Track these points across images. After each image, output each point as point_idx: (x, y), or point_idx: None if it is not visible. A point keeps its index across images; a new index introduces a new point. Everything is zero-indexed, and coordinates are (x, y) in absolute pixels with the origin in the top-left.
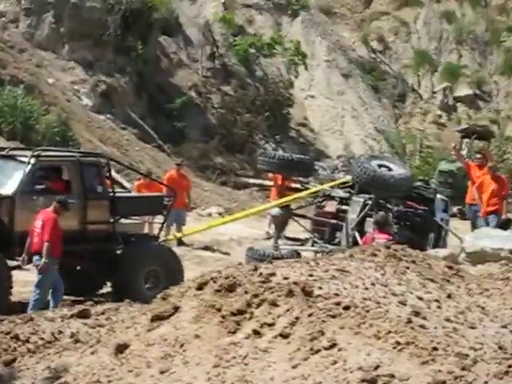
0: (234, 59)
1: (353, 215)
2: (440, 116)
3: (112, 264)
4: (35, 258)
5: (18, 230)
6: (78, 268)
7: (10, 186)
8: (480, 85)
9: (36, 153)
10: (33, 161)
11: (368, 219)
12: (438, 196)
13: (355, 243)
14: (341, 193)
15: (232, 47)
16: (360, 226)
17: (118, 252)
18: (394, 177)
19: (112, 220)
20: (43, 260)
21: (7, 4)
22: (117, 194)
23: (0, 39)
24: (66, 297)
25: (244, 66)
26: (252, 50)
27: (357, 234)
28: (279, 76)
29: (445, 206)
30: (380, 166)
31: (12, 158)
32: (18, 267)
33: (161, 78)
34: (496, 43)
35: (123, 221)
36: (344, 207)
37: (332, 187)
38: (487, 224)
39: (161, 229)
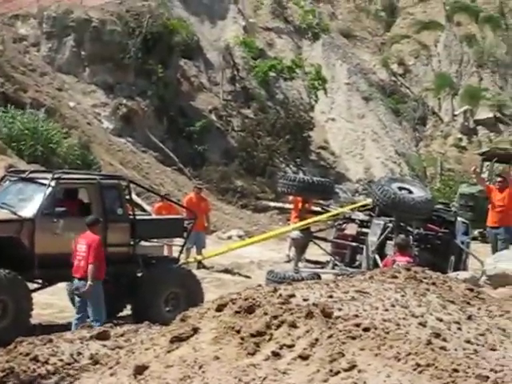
0: (255, 82)
1: (373, 238)
2: (461, 139)
3: (132, 286)
4: (81, 282)
5: (39, 253)
6: None
7: (30, 209)
8: (501, 108)
9: (56, 175)
10: (53, 183)
11: (388, 242)
12: (459, 219)
13: (376, 266)
14: (361, 215)
15: (252, 70)
16: (380, 249)
17: (139, 274)
18: (414, 199)
19: (132, 242)
20: (89, 283)
21: (28, 28)
22: (137, 217)
23: (21, 63)
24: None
25: (264, 89)
26: (272, 74)
27: (377, 257)
28: (299, 99)
29: (465, 228)
30: (400, 188)
31: (32, 180)
32: (38, 289)
33: (181, 101)
34: None
35: (143, 243)
36: (364, 230)
37: (352, 210)
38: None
39: (181, 251)
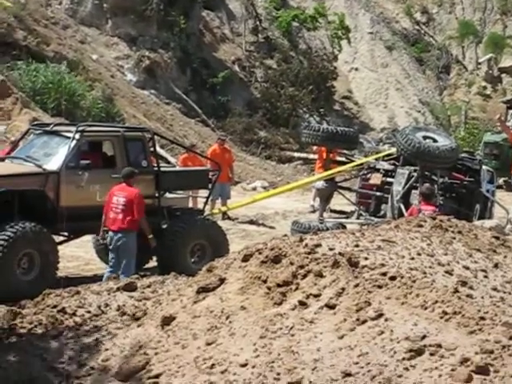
0: (277, 33)
1: (398, 187)
2: (485, 87)
3: (158, 238)
4: (117, 235)
5: (64, 206)
6: None
7: (55, 162)
8: None
9: (81, 128)
10: (77, 136)
11: (413, 191)
12: (484, 167)
13: (401, 215)
14: (386, 165)
15: (275, 21)
16: (405, 198)
17: (164, 226)
18: (439, 148)
19: (157, 194)
20: (150, 237)
21: None
22: (161, 169)
23: (43, 16)
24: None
25: (287, 39)
26: (295, 24)
27: (402, 206)
28: (323, 49)
29: (490, 177)
30: (425, 137)
31: (57, 133)
32: (64, 242)
33: (204, 53)
34: None
35: (168, 195)
36: (389, 179)
37: (377, 159)
38: None
39: (206, 203)
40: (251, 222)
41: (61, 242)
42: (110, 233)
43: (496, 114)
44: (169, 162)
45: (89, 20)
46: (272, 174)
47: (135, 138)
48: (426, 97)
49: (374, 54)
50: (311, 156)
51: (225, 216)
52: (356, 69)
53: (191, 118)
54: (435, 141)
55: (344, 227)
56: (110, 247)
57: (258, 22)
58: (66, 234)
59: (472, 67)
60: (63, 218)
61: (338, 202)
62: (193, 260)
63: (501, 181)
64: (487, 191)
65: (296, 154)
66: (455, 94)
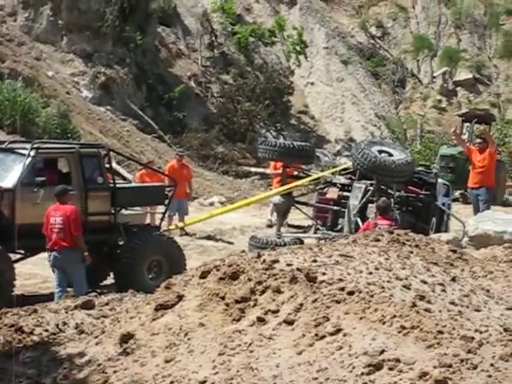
0: (233, 48)
1: (355, 201)
2: (440, 101)
3: (114, 255)
4: (60, 254)
5: (19, 223)
6: None
7: (10, 179)
8: (480, 68)
9: (36, 145)
10: (32, 153)
11: (370, 205)
12: (440, 180)
13: (357, 229)
14: (342, 179)
15: (231, 36)
16: (362, 213)
17: (120, 243)
18: (395, 162)
19: (113, 211)
20: (85, 254)
21: None
22: (117, 185)
23: None
24: (68, 288)
25: (243, 54)
26: (251, 39)
27: (359, 220)
28: (279, 64)
29: (446, 190)
30: (380, 151)
31: (12, 151)
32: (20, 260)
33: (160, 69)
34: (495, 26)
35: (124, 212)
36: (346, 193)
37: (333, 174)
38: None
39: (162, 219)
40: (209, 238)
41: (17, 260)
42: (54, 253)
43: (451, 128)
44: (125, 179)
45: (44, 37)
46: (229, 189)
47: (90, 154)
48: (382, 110)
49: (330, 69)
50: (268, 171)
51: (182, 232)
52: (312, 83)
53: (148, 134)
54: (391, 155)
55: (302, 242)
56: (54, 267)
57: (213, 38)
58: (21, 251)
59: (427, 81)
60: (19, 235)
61: (296, 216)
62: (150, 276)
63: (457, 193)
64: (443, 204)
65: (253, 169)
66: (411, 107)
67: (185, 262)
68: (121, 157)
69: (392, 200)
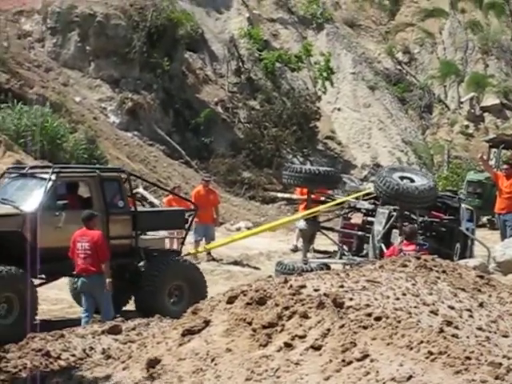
0: (260, 74)
1: (379, 227)
2: (467, 126)
3: (135, 279)
4: (88, 280)
5: (42, 247)
6: None
7: (32, 203)
8: (507, 94)
9: (56, 169)
10: (53, 177)
11: (394, 230)
12: (463, 205)
13: (382, 255)
14: (366, 204)
15: (258, 62)
16: (386, 238)
17: (141, 268)
18: (418, 188)
19: (134, 235)
20: (108, 280)
21: (33, 24)
22: (138, 209)
23: (26, 59)
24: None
25: (270, 80)
26: (278, 64)
27: (383, 246)
28: (305, 89)
29: (470, 215)
30: (402, 177)
31: (33, 175)
32: (42, 284)
33: (187, 94)
34: None
35: (145, 236)
36: (370, 219)
37: (357, 198)
38: None
39: (182, 243)
40: (235, 263)
41: (39, 285)
42: (81, 278)
43: (478, 153)
44: (153, 204)
45: (71, 62)
46: (256, 214)
47: (111, 178)
48: (409, 136)
49: (357, 94)
50: (295, 196)
51: (209, 257)
52: (339, 109)
53: (175, 160)
54: (412, 180)
55: (328, 267)
56: (82, 292)
57: (240, 63)
58: (43, 276)
59: (454, 106)
60: (41, 259)
61: (322, 242)
62: (171, 301)
63: (484, 219)
64: (467, 229)
65: (280, 195)
66: (438, 133)
67: (206, 287)
68: (147, 183)
69: (415, 225)
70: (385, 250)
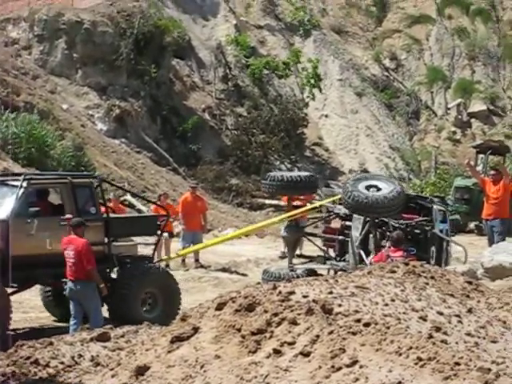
0: (247, 80)
1: (356, 232)
2: (454, 132)
3: (107, 286)
4: (75, 285)
5: (14, 255)
6: None
7: (3, 211)
8: (494, 100)
9: (28, 176)
10: (25, 184)
11: (371, 235)
12: (435, 206)
13: (361, 260)
14: (342, 209)
15: (245, 68)
16: (364, 244)
17: (114, 274)
18: (387, 197)
19: (106, 241)
20: (101, 286)
21: (20, 31)
22: (110, 215)
23: (13, 66)
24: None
25: (257, 87)
26: (265, 71)
27: (362, 252)
28: (293, 96)
29: (443, 216)
30: (368, 187)
31: (4, 183)
32: (14, 293)
33: (174, 101)
34: (509, 58)
35: (117, 243)
36: (348, 223)
37: (334, 202)
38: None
39: (155, 249)
40: (224, 270)
41: (11, 293)
42: (69, 283)
43: (466, 159)
44: (140, 211)
45: (59, 70)
46: (244, 221)
47: (83, 184)
48: (396, 142)
49: (344, 101)
50: (282, 203)
51: (198, 264)
52: (326, 115)
53: (162, 167)
54: (379, 189)
55: (315, 272)
56: (70, 299)
57: (227, 70)
58: (15, 284)
59: (441, 112)
60: (13, 267)
61: (310, 247)
62: (144, 309)
63: (472, 225)
64: (441, 231)
65: (267, 201)
66: (425, 139)
67: (179, 294)
68: (136, 189)
69: (387, 231)
70: (364, 256)
